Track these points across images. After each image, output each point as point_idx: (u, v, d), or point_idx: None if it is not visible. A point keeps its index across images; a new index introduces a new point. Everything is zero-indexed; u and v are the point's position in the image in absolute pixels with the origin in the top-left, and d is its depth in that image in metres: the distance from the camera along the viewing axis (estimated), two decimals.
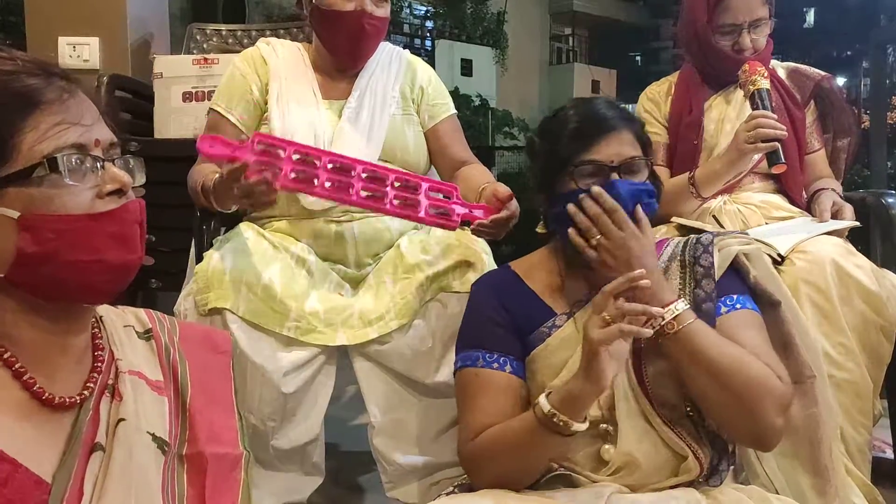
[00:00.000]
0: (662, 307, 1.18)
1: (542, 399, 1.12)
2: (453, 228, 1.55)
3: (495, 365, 1.27)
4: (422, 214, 1.53)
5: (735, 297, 1.27)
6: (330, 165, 1.51)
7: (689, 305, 1.21)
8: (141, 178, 0.90)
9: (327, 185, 1.49)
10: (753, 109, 1.76)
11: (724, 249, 1.31)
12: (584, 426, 1.11)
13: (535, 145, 1.36)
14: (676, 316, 1.18)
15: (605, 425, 1.22)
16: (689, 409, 1.23)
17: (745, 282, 1.32)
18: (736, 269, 1.32)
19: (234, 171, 1.39)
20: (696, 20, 1.94)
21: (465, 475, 1.29)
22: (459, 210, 1.54)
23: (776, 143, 1.69)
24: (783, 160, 1.70)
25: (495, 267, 1.62)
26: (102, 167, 0.83)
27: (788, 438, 1.34)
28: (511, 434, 1.17)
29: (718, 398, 1.17)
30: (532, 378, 1.28)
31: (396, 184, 1.54)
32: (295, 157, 1.49)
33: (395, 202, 1.52)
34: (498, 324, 1.30)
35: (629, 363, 1.22)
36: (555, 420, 1.09)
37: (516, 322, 1.30)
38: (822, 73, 2.04)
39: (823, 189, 1.89)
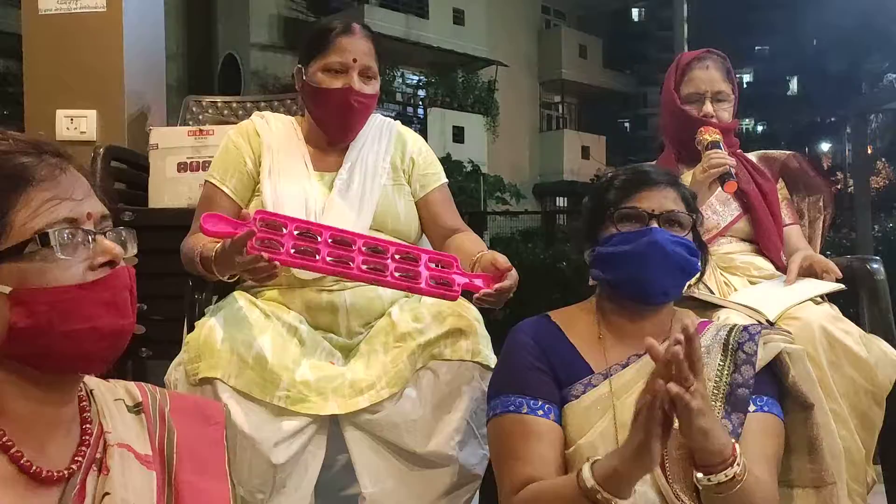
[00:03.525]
0: (725, 460, 1.10)
1: (585, 470, 1.09)
2: (454, 299, 1.56)
3: (540, 412, 1.25)
4: (423, 286, 1.55)
5: (765, 398, 1.28)
6: (331, 240, 1.54)
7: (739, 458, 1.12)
8: (133, 249, 0.91)
9: (329, 259, 1.51)
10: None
11: (770, 344, 1.31)
12: (627, 502, 1.08)
13: (584, 204, 1.42)
14: (736, 474, 1.10)
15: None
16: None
17: (782, 381, 1.31)
18: (772, 368, 1.31)
19: (238, 240, 1.41)
20: (668, 90, 2.09)
21: None
22: (460, 280, 1.57)
23: (726, 167, 1.84)
24: (734, 178, 1.85)
25: (487, 335, 1.63)
26: (94, 240, 0.84)
27: None
28: (554, 497, 1.14)
29: None
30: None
31: (397, 256, 1.57)
32: (296, 232, 1.52)
33: (397, 274, 1.54)
34: (541, 370, 1.29)
35: None
36: (598, 496, 1.06)
37: (555, 372, 1.29)
38: (787, 152, 2.19)
39: (797, 250, 1.96)
